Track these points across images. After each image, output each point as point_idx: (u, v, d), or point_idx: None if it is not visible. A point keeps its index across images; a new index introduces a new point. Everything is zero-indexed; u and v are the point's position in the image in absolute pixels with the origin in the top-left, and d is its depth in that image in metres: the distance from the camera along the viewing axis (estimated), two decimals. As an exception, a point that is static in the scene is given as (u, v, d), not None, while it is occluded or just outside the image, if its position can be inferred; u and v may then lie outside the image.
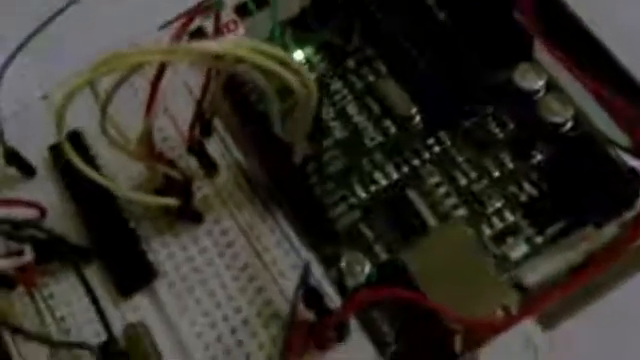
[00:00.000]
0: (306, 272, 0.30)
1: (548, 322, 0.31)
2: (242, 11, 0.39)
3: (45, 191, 0.36)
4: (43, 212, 0.32)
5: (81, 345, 0.31)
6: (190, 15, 0.31)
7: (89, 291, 0.31)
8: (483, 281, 0.30)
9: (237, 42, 0.27)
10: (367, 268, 0.32)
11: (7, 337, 0.32)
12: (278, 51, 0.28)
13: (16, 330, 0.31)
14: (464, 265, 0.31)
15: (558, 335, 0.31)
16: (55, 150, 0.36)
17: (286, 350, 0.30)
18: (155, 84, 0.28)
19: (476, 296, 0.30)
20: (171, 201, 0.32)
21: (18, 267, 0.31)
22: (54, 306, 0.33)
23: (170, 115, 0.36)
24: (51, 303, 0.33)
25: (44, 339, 0.31)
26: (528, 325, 0.30)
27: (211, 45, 0.27)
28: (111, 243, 0.33)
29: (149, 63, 0.28)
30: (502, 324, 0.30)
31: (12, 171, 0.36)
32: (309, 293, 0.30)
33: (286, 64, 0.28)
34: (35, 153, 0.36)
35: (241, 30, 0.38)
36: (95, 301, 0.30)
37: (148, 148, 0.30)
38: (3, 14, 0.42)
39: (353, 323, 0.31)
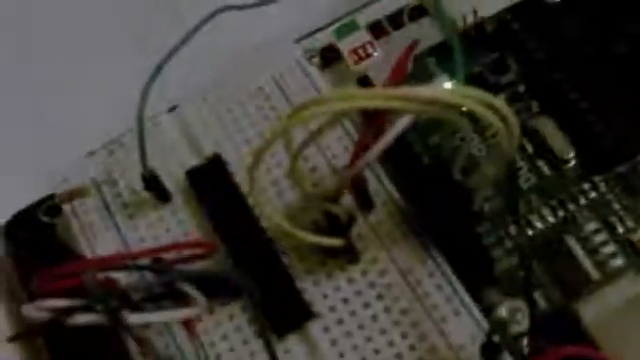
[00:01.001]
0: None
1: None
2: (376, 30, 0.38)
3: (179, 218, 0.34)
4: (212, 251, 0.30)
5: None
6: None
7: (262, 330, 0.29)
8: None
9: (459, 90, 0.26)
10: (529, 316, 0.32)
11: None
12: (489, 97, 0.27)
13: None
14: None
15: None
16: (193, 175, 0.34)
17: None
18: (366, 133, 0.27)
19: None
20: (337, 241, 0.31)
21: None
22: (205, 344, 0.31)
23: (318, 145, 0.34)
24: (203, 340, 0.32)
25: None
26: None
27: (440, 93, 0.25)
28: (264, 279, 0.32)
29: (357, 109, 0.27)
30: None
31: (144, 194, 0.34)
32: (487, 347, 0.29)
33: (495, 109, 0.27)
34: (166, 174, 0.34)
35: (378, 52, 0.36)
36: (267, 342, 0.28)
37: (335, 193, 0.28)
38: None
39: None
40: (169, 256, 0.30)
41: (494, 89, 0.35)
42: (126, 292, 0.30)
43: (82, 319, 0.26)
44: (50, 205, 0.35)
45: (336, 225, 0.31)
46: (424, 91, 0.27)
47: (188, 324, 0.30)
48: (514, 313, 0.31)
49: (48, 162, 0.36)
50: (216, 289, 0.31)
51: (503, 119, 0.27)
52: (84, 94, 0.40)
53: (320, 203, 0.31)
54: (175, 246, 0.30)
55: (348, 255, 0.32)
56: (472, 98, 0.26)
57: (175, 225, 0.34)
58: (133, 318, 0.26)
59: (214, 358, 0.31)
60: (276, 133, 0.27)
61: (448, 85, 0.27)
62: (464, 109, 0.27)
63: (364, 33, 0.37)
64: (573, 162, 0.34)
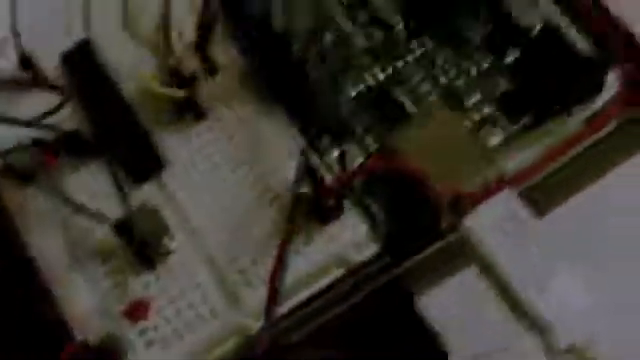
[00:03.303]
0: (304, 155, 0.33)
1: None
2: None
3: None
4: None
5: (98, 216, 0.33)
6: None
7: (114, 174, 0.33)
8: (466, 156, 0.33)
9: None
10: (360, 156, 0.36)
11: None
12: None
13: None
14: (449, 142, 0.34)
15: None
16: (67, 59, 0.38)
17: (290, 224, 0.33)
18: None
19: (460, 170, 0.33)
20: (179, 92, 0.35)
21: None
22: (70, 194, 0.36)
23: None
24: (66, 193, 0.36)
25: (66, 199, 0.34)
26: (508, 195, 0.33)
27: None
28: (122, 136, 0.36)
29: None
30: (483, 194, 0.33)
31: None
32: (308, 172, 0.33)
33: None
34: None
35: None
36: (118, 184, 0.33)
37: (165, 39, 0.33)
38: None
39: (347, 204, 0.34)
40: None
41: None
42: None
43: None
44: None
45: (181, 83, 0.36)
46: None
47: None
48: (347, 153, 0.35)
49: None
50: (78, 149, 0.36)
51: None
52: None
53: (171, 59, 0.35)
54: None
55: (196, 113, 0.36)
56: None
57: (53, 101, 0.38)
58: None
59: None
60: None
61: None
62: None
63: None
64: (401, 27, 0.38)
